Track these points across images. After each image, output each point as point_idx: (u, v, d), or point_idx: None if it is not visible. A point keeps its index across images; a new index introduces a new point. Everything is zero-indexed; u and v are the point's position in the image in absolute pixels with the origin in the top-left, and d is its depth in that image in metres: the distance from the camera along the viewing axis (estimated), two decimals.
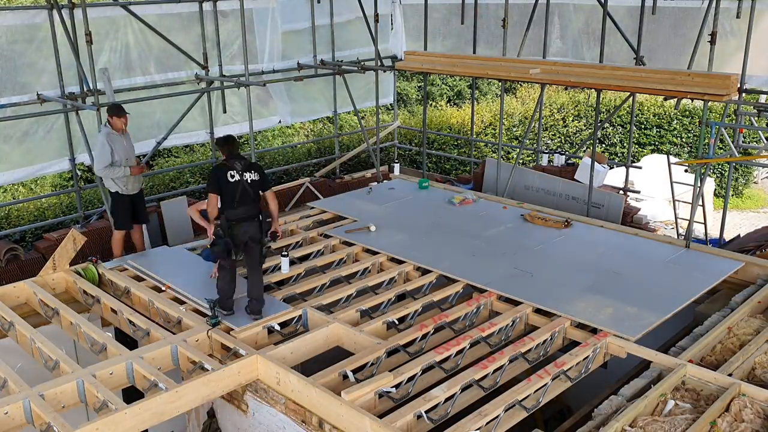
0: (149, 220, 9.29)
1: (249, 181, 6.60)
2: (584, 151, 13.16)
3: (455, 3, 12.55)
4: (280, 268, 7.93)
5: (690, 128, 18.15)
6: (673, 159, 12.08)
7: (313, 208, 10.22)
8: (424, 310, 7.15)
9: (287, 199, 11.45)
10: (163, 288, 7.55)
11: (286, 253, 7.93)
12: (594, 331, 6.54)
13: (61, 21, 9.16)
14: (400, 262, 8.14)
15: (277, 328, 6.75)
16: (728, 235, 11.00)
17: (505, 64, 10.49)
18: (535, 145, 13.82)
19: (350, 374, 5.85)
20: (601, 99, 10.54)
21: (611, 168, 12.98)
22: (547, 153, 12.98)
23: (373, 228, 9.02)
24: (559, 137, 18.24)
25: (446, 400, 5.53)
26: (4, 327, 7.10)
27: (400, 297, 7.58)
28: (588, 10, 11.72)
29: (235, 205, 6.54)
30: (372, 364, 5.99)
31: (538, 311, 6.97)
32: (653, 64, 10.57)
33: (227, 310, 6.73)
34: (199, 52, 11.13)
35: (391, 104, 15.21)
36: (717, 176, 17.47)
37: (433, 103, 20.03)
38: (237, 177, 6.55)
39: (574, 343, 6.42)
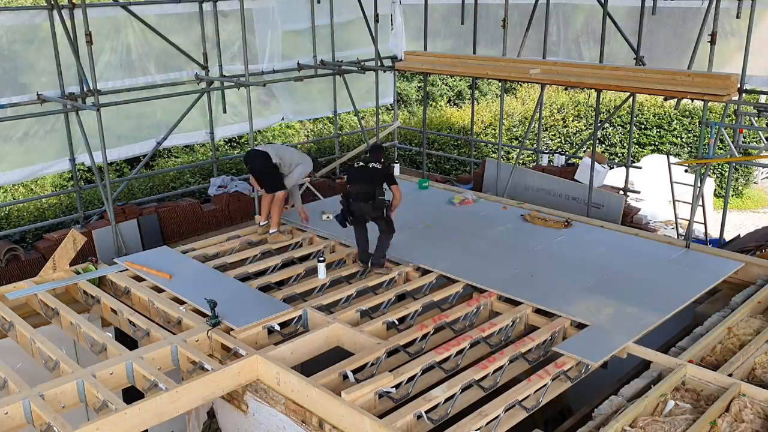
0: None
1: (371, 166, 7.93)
2: (584, 151, 13.16)
3: (455, 3, 12.55)
4: (280, 268, 7.94)
5: (690, 128, 18.15)
6: (673, 159, 12.08)
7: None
8: (424, 310, 7.16)
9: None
10: (163, 288, 7.55)
11: (323, 258, 7.97)
12: None
13: (61, 21, 9.16)
14: (401, 263, 8.14)
15: (277, 328, 6.75)
16: (728, 236, 10.99)
17: (505, 64, 10.49)
18: (535, 146, 13.82)
19: (350, 374, 5.85)
20: (601, 99, 10.54)
21: (611, 168, 12.97)
22: (547, 153, 12.98)
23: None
24: (559, 137, 18.24)
25: (446, 400, 5.53)
26: (4, 327, 7.10)
27: (400, 297, 7.59)
28: (588, 10, 11.71)
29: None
30: (372, 364, 5.99)
31: (538, 311, 6.98)
32: (653, 64, 10.56)
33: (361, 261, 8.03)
34: (199, 52, 11.13)
35: (391, 104, 15.21)
36: (717, 176, 17.47)
37: (433, 104, 20.03)
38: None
39: None
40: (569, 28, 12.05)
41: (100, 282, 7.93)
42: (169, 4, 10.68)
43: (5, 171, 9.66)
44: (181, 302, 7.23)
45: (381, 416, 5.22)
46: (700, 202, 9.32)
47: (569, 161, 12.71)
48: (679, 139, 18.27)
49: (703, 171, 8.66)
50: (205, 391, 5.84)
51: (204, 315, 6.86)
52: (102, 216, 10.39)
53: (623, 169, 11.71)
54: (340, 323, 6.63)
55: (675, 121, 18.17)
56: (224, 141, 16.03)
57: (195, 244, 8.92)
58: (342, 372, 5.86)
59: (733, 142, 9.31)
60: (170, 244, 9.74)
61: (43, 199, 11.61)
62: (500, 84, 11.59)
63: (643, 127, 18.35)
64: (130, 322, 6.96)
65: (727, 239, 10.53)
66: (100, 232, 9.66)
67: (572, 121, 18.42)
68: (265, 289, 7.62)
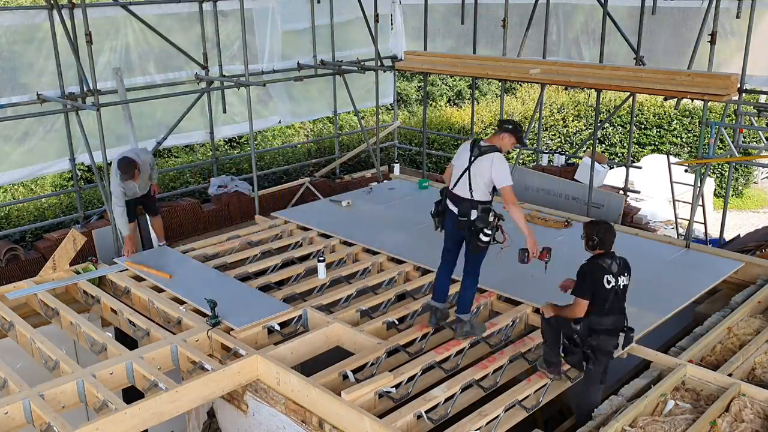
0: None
1: (621, 286, 5.60)
2: (584, 151, 13.15)
3: (455, 3, 12.54)
4: (280, 268, 7.94)
5: (690, 128, 18.15)
6: (673, 159, 12.08)
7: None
8: (424, 310, 7.15)
9: (287, 200, 11.46)
10: (163, 288, 7.55)
11: (322, 258, 7.93)
12: None
13: (61, 21, 9.16)
14: (400, 262, 8.14)
15: (277, 328, 6.75)
16: (728, 235, 10.99)
17: (505, 64, 10.49)
18: (535, 145, 13.82)
19: (350, 374, 5.85)
20: (601, 99, 10.54)
21: (611, 168, 12.97)
22: (547, 153, 12.97)
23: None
24: (559, 137, 18.24)
25: (446, 400, 5.54)
26: (4, 327, 7.10)
27: (400, 297, 7.59)
28: (588, 10, 11.71)
29: (603, 313, 5.54)
30: (372, 364, 5.99)
31: (537, 311, 6.97)
32: (653, 64, 10.56)
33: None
34: (199, 52, 11.12)
35: (391, 104, 15.20)
36: (717, 176, 17.47)
37: (433, 104, 20.03)
38: (612, 283, 5.53)
39: None
40: (569, 28, 12.04)
41: (100, 282, 7.93)
42: (169, 3, 10.67)
43: (5, 171, 9.65)
44: (181, 302, 7.23)
45: (381, 416, 5.22)
46: (700, 202, 9.32)
47: (569, 161, 12.70)
48: (679, 139, 18.27)
49: (703, 171, 8.66)
50: (205, 391, 5.84)
51: (204, 315, 6.86)
52: (102, 216, 10.38)
53: (623, 169, 11.71)
54: (340, 323, 6.63)
55: (675, 121, 18.17)
56: (224, 141, 16.03)
57: (195, 244, 8.93)
58: (342, 372, 5.87)
59: (733, 142, 9.31)
60: (170, 244, 9.74)
61: (43, 199, 11.60)
62: (500, 84, 11.59)
63: (643, 127, 18.35)
64: (130, 322, 6.96)
65: (727, 239, 10.53)
66: (100, 232, 9.65)
67: (572, 121, 18.42)
68: (265, 289, 7.62)
